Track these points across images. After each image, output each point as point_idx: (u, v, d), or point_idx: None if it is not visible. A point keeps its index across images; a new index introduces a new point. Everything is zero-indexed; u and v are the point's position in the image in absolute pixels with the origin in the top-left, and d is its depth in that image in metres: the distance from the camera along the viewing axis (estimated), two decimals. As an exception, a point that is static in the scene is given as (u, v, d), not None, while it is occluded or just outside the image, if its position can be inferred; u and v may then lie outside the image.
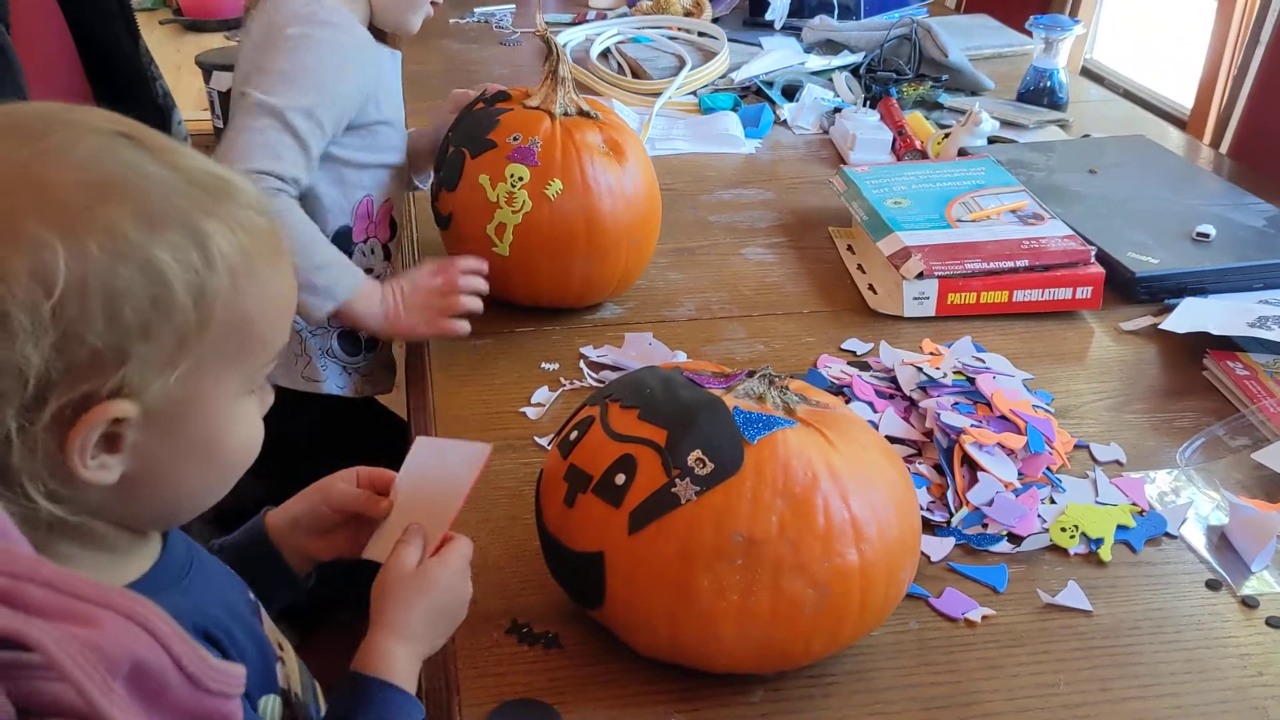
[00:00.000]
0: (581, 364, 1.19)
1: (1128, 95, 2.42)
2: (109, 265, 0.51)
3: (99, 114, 0.57)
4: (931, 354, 1.19)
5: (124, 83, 1.47)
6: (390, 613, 0.73)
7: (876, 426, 1.06)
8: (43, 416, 0.50)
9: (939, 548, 0.94)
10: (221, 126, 2.93)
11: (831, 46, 2.13)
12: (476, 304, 1.20)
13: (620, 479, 0.76)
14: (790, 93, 1.99)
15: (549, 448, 0.85)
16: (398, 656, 0.71)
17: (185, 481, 0.59)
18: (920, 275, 1.28)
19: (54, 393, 0.50)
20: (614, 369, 1.18)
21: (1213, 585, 0.92)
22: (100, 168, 0.54)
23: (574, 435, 0.82)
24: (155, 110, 1.63)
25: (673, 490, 0.74)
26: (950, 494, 0.99)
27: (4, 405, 0.49)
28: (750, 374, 0.82)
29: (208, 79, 2.89)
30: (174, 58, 3.39)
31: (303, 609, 0.85)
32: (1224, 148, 1.98)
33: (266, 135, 1.15)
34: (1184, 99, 2.89)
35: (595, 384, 1.16)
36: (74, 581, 0.35)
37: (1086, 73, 2.92)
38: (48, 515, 0.52)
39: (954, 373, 1.11)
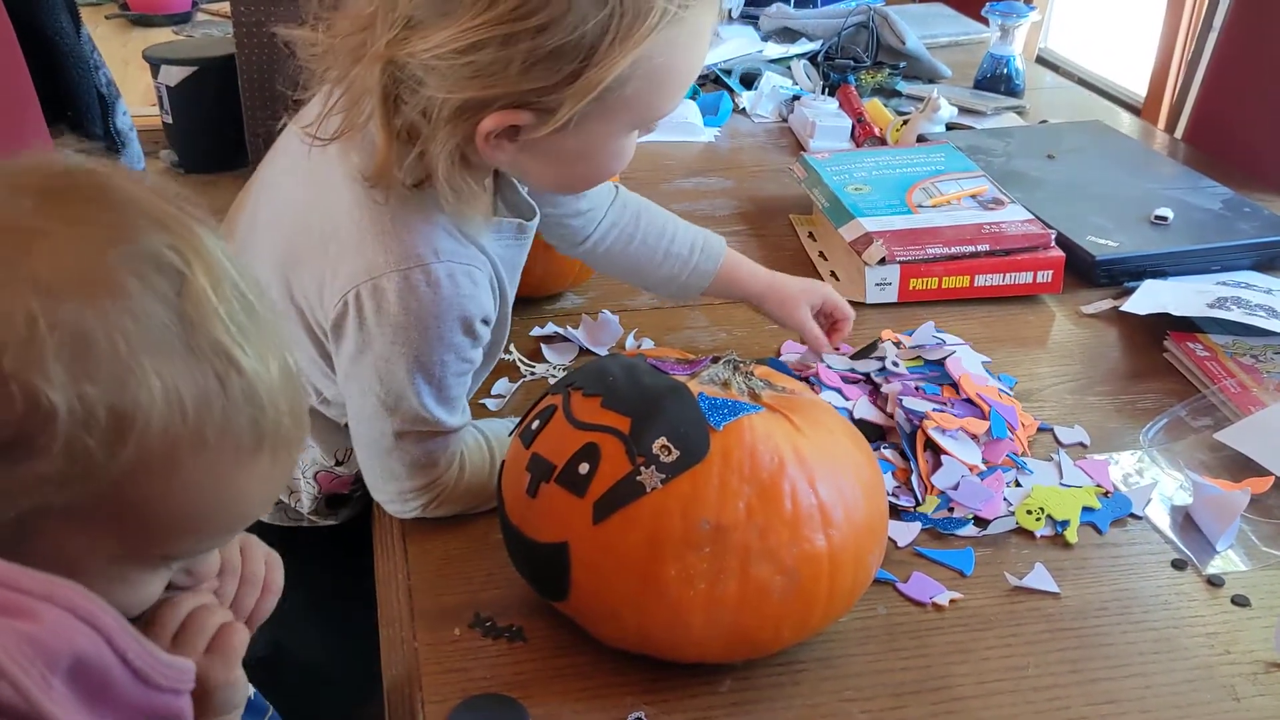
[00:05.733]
0: (544, 347, 1.18)
1: (1083, 83, 2.44)
2: None
3: (161, 223, 0.49)
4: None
5: (65, 69, 1.44)
6: None
7: (850, 414, 1.05)
8: None
9: (906, 532, 0.93)
10: (170, 122, 2.88)
11: (789, 34, 2.13)
12: None
13: (584, 468, 0.75)
14: (749, 81, 1.99)
15: (510, 438, 0.84)
16: None
17: None
18: (882, 261, 1.28)
19: None
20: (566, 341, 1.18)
21: (1178, 565, 0.92)
22: (95, 275, 0.46)
23: (536, 424, 0.80)
24: (98, 99, 1.60)
25: (637, 479, 0.73)
26: (915, 479, 0.98)
27: None
28: (715, 360, 0.81)
29: (155, 73, 2.84)
30: (120, 52, 3.33)
31: None
32: (1178, 133, 2.00)
33: None
34: (1137, 86, 2.93)
35: (557, 373, 1.14)
36: (14, 574, 0.33)
37: (1042, 62, 2.94)
38: None
39: (911, 359, 1.11)
